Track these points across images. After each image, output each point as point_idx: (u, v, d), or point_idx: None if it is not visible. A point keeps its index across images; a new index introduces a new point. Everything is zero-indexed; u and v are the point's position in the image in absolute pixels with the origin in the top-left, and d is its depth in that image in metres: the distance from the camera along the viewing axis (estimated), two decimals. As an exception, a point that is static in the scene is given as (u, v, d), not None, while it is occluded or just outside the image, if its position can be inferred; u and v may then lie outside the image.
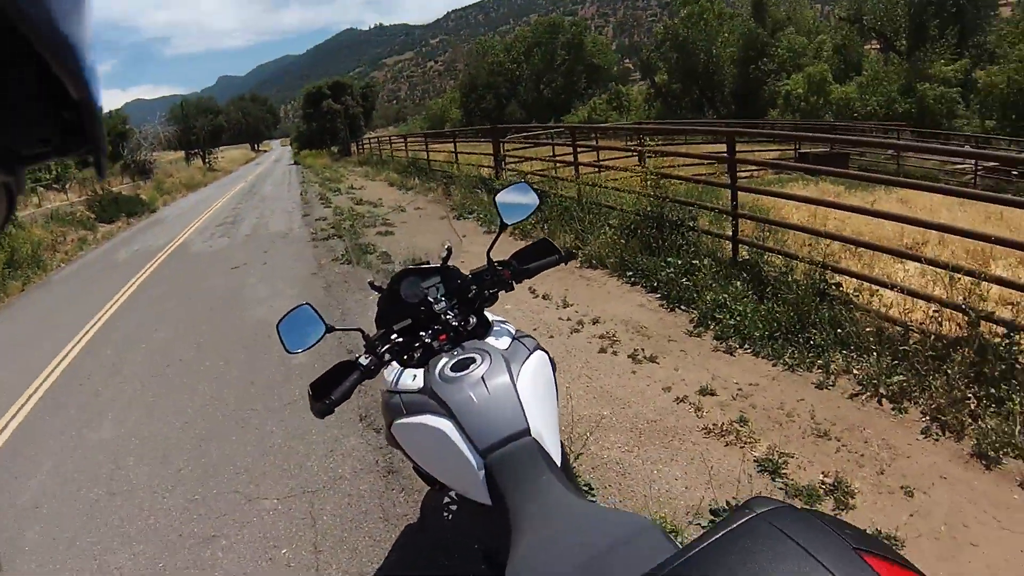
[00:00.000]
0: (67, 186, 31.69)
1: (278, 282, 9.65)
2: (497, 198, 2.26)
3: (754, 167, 15.90)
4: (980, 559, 3.04)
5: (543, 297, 7.31)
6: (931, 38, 40.03)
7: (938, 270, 5.41)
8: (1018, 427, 3.94)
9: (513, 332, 2.08)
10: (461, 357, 1.89)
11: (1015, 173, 21.13)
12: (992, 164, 21.70)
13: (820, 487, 3.57)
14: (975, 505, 3.40)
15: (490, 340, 2.01)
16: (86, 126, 0.46)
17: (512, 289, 2.26)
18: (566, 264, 2.38)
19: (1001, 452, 3.79)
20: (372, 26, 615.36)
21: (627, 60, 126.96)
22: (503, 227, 2.28)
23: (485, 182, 14.97)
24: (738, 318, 5.78)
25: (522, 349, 1.95)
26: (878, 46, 49.70)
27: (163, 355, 7.18)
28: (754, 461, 3.81)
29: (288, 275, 10.03)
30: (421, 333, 2.09)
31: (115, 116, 45.95)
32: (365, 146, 42.23)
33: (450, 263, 2.31)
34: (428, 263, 2.32)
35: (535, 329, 6.33)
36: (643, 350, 5.53)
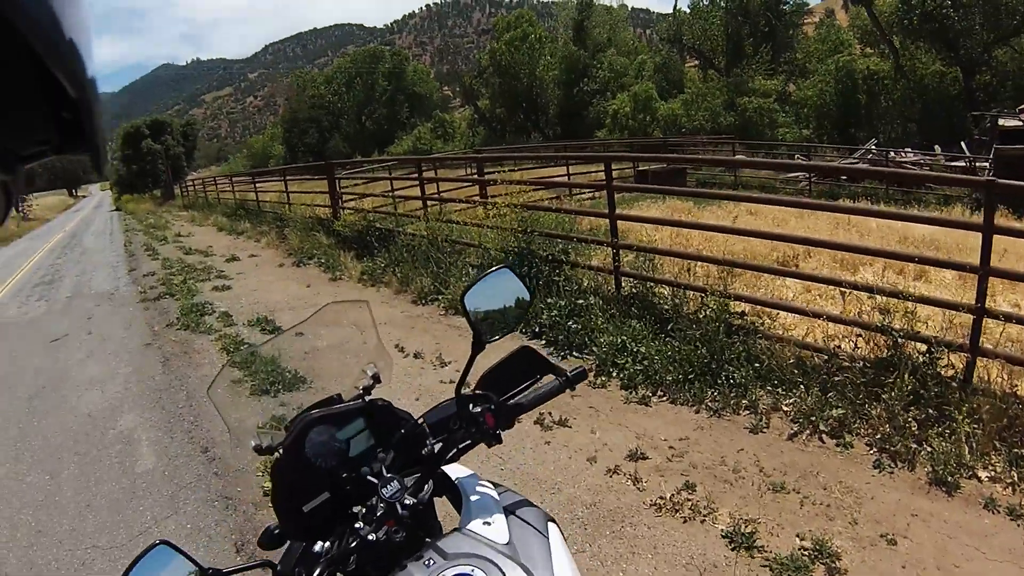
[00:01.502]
0: None
1: (108, 357, 8.29)
2: (465, 299, 1.54)
3: (593, 190, 15.90)
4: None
5: (415, 355, 6.59)
6: (747, 55, 42.56)
7: (823, 287, 5.38)
8: (966, 447, 3.83)
9: (495, 495, 1.46)
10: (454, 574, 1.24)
11: (844, 178, 22.52)
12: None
13: (802, 554, 3.24)
14: (956, 540, 3.32)
15: (475, 526, 1.35)
16: (84, 126, 0.46)
17: (500, 442, 1.53)
18: (573, 390, 1.60)
19: (957, 476, 3.74)
20: (189, 61, 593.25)
21: (446, 87, 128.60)
22: (478, 346, 1.52)
23: (323, 223, 14.12)
24: (644, 362, 5.41)
25: (531, 534, 1.35)
26: (697, 64, 52.24)
27: (-31, 468, 5.69)
28: (722, 536, 3.41)
29: (119, 347, 8.70)
30: (358, 526, 1.35)
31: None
32: (189, 188, 39.84)
33: (375, 393, 1.56)
34: (338, 397, 1.55)
35: (416, 399, 5.49)
36: (548, 412, 4.95)
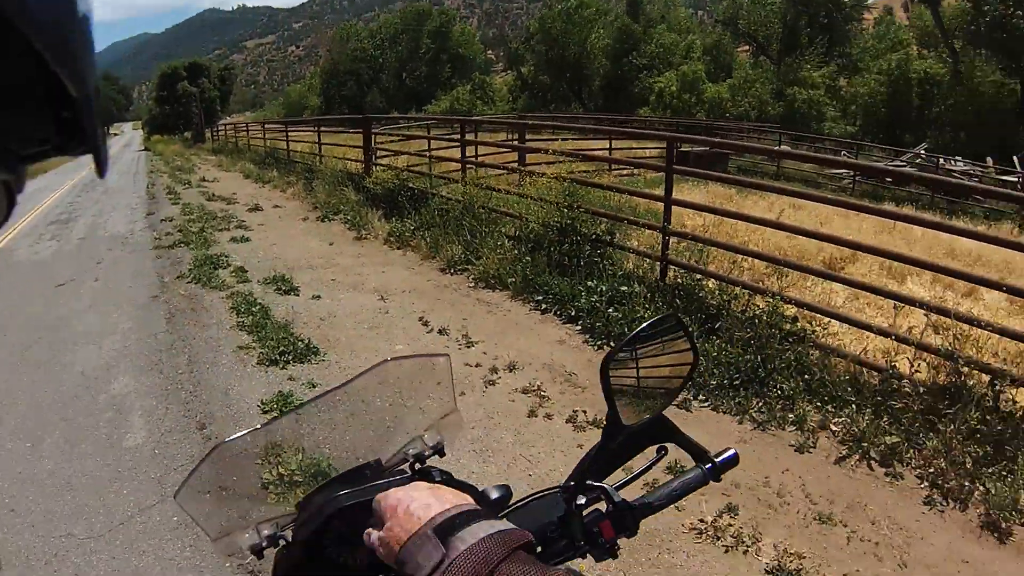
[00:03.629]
0: None
1: (111, 309, 7.88)
2: (609, 366, 1.00)
3: (648, 169, 15.44)
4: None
5: (439, 331, 6.21)
6: (801, 45, 41.69)
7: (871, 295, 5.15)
8: (1022, 491, 3.52)
9: None
10: None
11: (889, 180, 21.94)
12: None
13: (853, 603, 2.91)
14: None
15: None
16: (85, 125, 0.46)
17: (615, 556, 1.05)
18: (718, 482, 1.12)
19: (1011, 522, 3.46)
20: (235, 7, 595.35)
21: (490, 51, 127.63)
22: (615, 431, 1.02)
23: (353, 178, 13.76)
24: (687, 362, 5.00)
25: None
26: (749, 50, 51.37)
27: (-52, 422, 5.30)
28: (765, 572, 3.12)
29: (124, 297, 8.32)
30: None
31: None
32: (220, 133, 39.69)
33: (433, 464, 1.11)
34: (376, 464, 1.10)
35: (439, 383, 4.96)
36: (582, 411, 4.57)
